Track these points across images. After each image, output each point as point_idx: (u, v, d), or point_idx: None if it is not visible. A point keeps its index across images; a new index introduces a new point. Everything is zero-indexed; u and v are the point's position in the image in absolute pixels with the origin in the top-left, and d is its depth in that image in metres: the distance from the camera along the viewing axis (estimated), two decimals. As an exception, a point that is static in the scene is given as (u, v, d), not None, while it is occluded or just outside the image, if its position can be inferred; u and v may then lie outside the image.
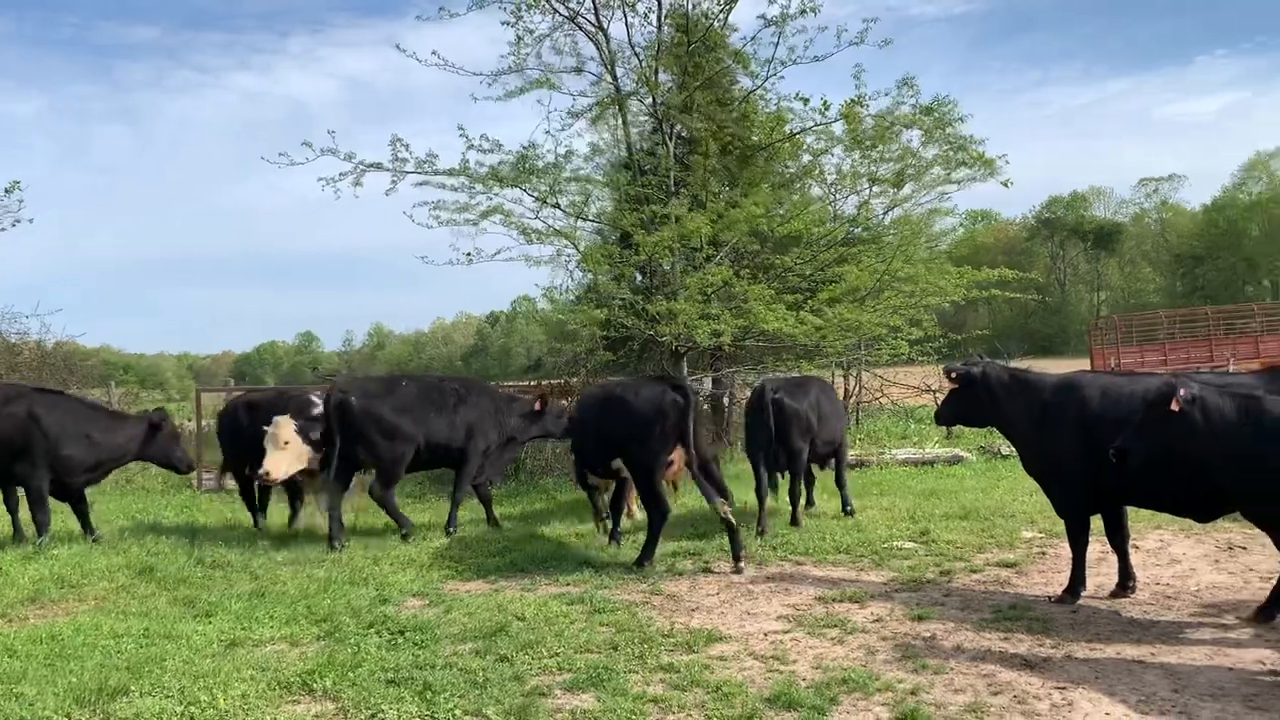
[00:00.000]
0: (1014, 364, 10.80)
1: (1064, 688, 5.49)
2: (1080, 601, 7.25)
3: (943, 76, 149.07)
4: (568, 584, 8.25)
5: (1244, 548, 8.72)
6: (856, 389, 20.54)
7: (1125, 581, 7.45)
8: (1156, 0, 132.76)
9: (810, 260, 15.80)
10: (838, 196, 18.28)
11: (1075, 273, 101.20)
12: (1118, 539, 7.45)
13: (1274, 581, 6.72)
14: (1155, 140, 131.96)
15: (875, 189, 18.24)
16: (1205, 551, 8.68)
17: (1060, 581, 7.82)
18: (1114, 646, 6.20)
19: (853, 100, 14.70)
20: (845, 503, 10.89)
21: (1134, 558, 8.37)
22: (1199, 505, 6.87)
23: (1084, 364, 31.08)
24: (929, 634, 6.56)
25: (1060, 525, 9.75)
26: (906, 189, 17.85)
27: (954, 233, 22.98)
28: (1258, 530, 6.82)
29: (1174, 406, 6.05)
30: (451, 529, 10.63)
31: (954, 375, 7.85)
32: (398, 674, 5.94)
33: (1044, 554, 8.80)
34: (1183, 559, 8.49)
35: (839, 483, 11.06)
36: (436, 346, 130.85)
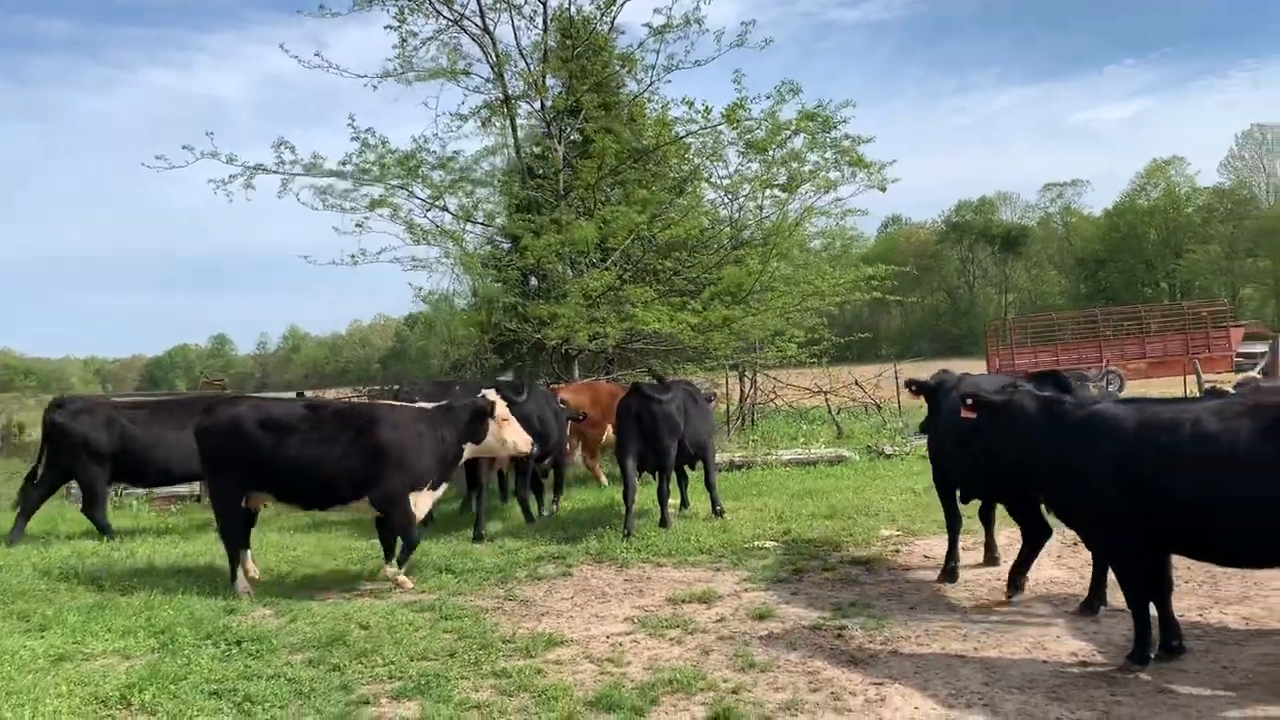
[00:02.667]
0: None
1: (881, 683, 5.62)
2: (919, 597, 7.44)
3: (863, 82, 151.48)
4: (423, 591, 8.18)
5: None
6: (751, 391, 20.77)
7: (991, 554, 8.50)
8: (1071, 10, 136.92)
9: (695, 263, 15.93)
10: (732, 200, 18.56)
11: (984, 275, 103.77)
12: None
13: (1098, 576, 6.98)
14: (1067, 146, 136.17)
15: (768, 193, 18.64)
16: (1049, 547, 8.92)
17: (908, 579, 8.02)
18: (940, 641, 6.37)
19: (735, 104, 14.86)
20: (715, 503, 10.99)
21: (981, 553, 8.65)
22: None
23: (982, 365, 31.88)
24: (766, 633, 6.66)
25: (918, 523, 10.07)
26: (800, 193, 18.23)
27: (848, 235, 23.30)
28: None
29: (965, 414, 6.31)
30: None
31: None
32: (222, 685, 5.82)
33: (898, 552, 8.99)
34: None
35: (708, 484, 11.16)
36: (354, 349, 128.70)
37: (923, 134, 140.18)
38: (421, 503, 8.28)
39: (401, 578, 8.15)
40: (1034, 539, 7.42)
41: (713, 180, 18.41)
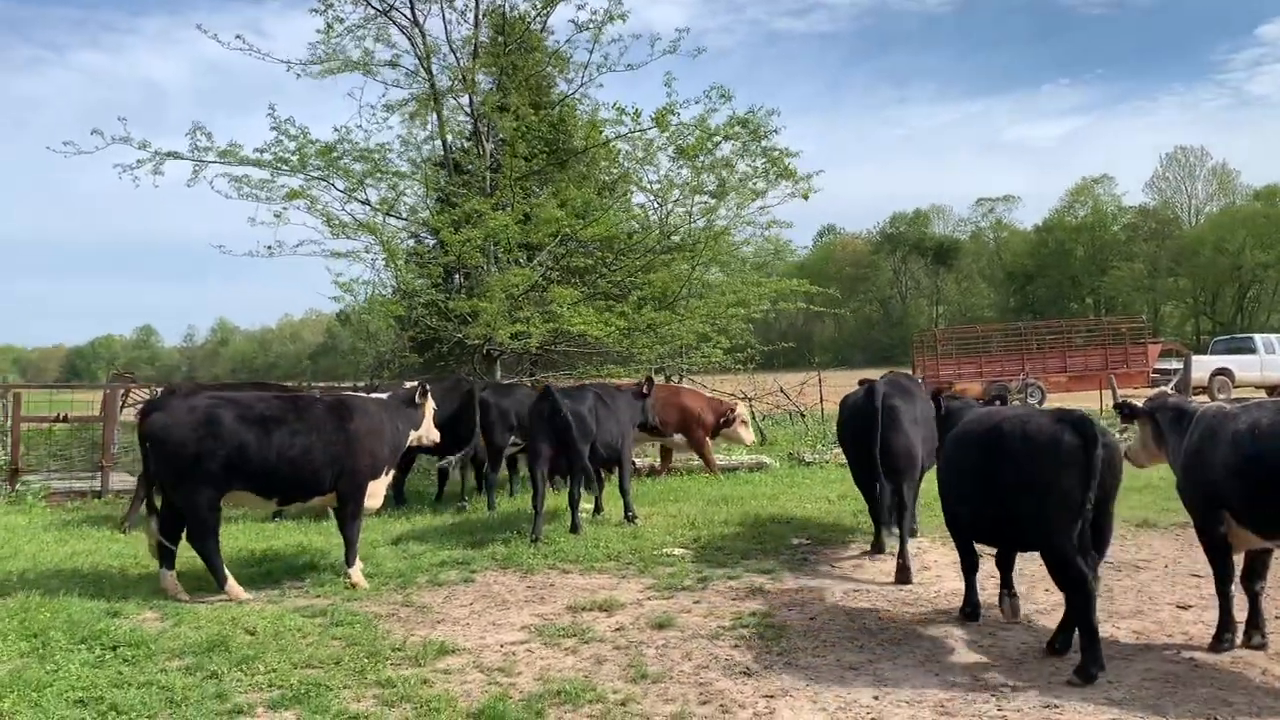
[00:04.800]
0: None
1: (772, 696, 5.55)
2: (820, 606, 7.41)
3: (809, 92, 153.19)
4: (318, 595, 7.95)
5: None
6: (676, 396, 20.67)
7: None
8: (1011, 29, 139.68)
9: (621, 266, 15.84)
10: (661, 205, 18.55)
11: (917, 286, 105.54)
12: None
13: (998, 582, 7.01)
14: (1001, 162, 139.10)
15: (698, 199, 18.69)
16: (955, 559, 8.98)
17: (812, 588, 8.00)
18: (836, 653, 6.33)
19: (664, 108, 14.80)
20: (627, 509, 10.88)
21: (889, 564, 8.67)
22: None
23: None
24: (663, 642, 6.57)
25: (829, 531, 10.09)
26: (729, 200, 18.34)
27: (779, 244, 23.44)
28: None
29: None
30: None
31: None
32: (89, 693, 5.55)
33: (805, 561, 8.97)
34: (933, 565, 8.78)
35: (622, 489, 11.05)
36: (284, 344, 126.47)
37: (864, 145, 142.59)
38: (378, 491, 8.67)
39: (357, 575, 8.26)
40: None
41: (644, 185, 18.38)
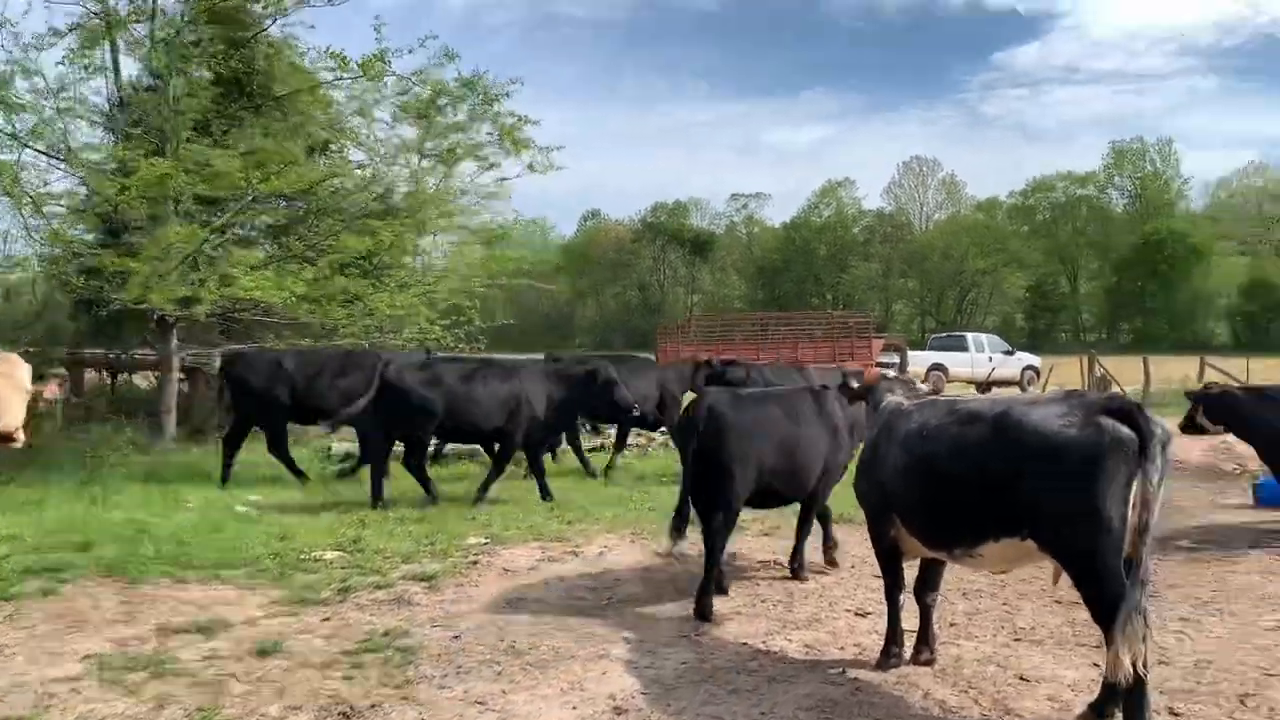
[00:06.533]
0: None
1: (365, 745, 4.49)
2: (472, 623, 6.41)
3: (584, 77, 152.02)
4: None
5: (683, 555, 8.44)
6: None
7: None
8: (778, 36, 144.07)
9: (321, 229, 14.25)
10: (387, 165, 17.09)
11: (675, 275, 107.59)
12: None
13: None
14: (759, 160, 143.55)
15: (424, 163, 17.41)
16: (637, 561, 8.25)
17: (472, 598, 7.02)
18: (468, 682, 5.35)
19: (374, 55, 13.36)
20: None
21: (566, 566, 7.83)
22: None
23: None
24: (260, 674, 5.36)
25: (511, 529, 9.12)
26: (461, 168, 17.26)
27: (510, 220, 22.39)
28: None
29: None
30: None
31: None
32: None
33: (475, 564, 7.93)
34: (615, 568, 8.00)
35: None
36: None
37: (635, 134, 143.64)
38: None
39: None
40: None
41: (363, 141, 16.87)
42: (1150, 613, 4.47)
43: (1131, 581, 4.36)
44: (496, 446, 10.93)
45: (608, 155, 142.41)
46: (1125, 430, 4.46)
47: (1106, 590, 4.41)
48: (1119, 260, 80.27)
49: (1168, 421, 4.89)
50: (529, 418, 10.43)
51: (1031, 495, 4.58)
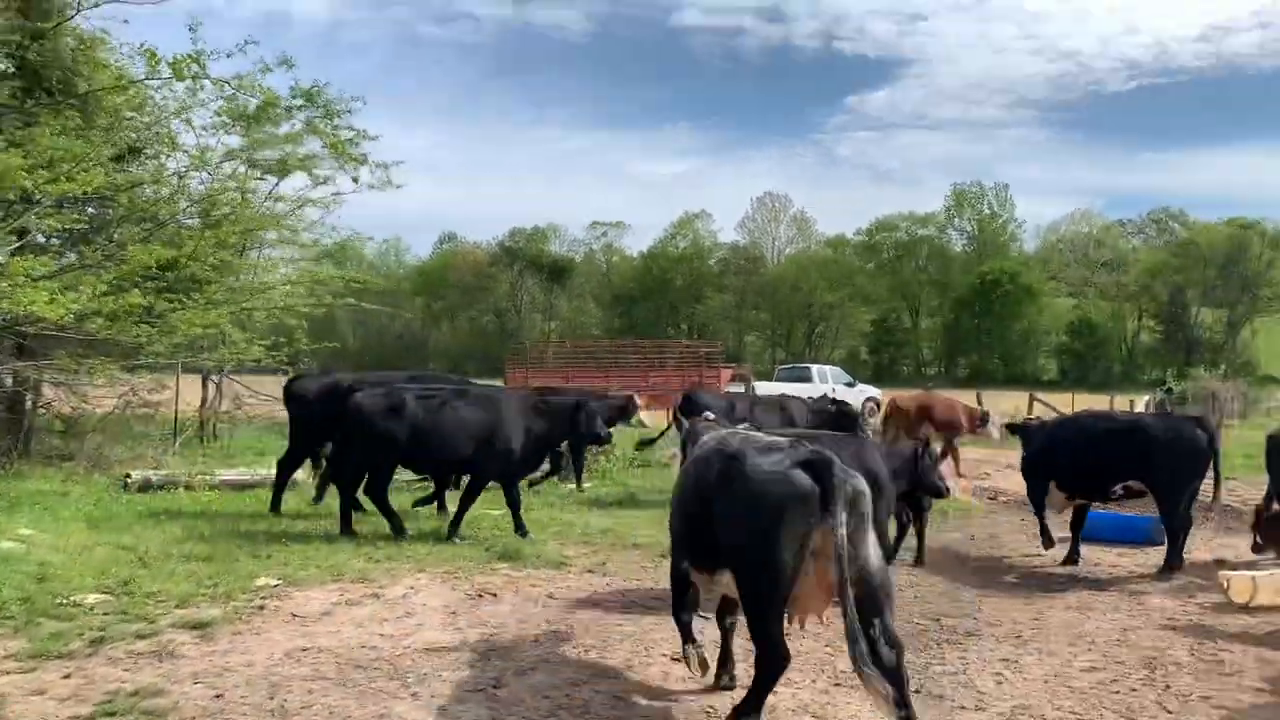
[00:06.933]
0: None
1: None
2: (238, 678, 5.69)
3: (448, 100, 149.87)
4: None
5: (495, 595, 7.90)
6: (216, 399, 17.99)
7: None
8: (641, 66, 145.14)
9: (120, 238, 13.11)
10: (210, 176, 16.03)
11: (532, 301, 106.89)
12: None
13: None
14: (620, 190, 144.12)
15: (250, 173, 16.50)
16: (444, 604, 7.64)
17: (244, 652, 6.27)
18: (219, 752, 4.67)
19: (188, 56, 12.43)
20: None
21: (365, 609, 7.19)
22: None
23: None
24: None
25: (311, 567, 8.40)
26: (295, 179, 16.47)
27: (346, 237, 21.47)
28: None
29: None
30: None
31: None
32: None
33: (262, 609, 7.17)
34: (419, 611, 7.36)
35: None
36: None
37: (497, 160, 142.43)
38: None
39: None
40: None
41: (182, 147, 15.78)
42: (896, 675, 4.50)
43: (852, 637, 4.37)
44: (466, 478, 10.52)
45: (472, 179, 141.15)
46: (807, 482, 4.63)
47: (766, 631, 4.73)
48: (957, 298, 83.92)
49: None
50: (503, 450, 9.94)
51: (725, 536, 4.95)
